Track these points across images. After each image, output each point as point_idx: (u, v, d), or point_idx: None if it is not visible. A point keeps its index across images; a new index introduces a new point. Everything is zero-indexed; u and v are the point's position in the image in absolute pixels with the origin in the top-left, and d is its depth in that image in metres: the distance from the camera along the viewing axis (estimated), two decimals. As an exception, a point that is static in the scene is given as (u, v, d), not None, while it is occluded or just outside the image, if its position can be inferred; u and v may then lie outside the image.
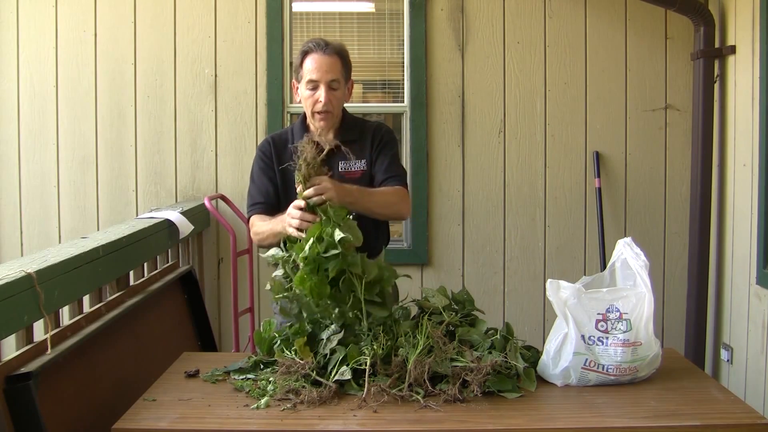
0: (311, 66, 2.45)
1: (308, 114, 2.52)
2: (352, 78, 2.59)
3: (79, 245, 2.35)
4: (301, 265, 1.99)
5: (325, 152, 2.21)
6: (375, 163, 2.57)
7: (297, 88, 2.53)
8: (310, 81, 2.45)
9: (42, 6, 4.00)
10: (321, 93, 2.44)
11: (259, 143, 2.56)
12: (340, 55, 2.48)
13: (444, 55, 4.01)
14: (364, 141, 2.57)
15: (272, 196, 2.56)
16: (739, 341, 3.61)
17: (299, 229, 2.11)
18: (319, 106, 2.46)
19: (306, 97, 2.48)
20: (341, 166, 2.51)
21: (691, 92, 3.95)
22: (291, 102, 4.05)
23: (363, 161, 2.55)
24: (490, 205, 4.04)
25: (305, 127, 2.56)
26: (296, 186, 2.17)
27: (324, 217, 2.08)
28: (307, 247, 1.98)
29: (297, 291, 2.03)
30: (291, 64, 4.05)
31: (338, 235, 1.97)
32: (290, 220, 2.15)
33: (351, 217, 2.14)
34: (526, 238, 4.06)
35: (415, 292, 2.51)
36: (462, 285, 3.98)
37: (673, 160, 4.05)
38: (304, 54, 2.48)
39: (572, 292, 2.00)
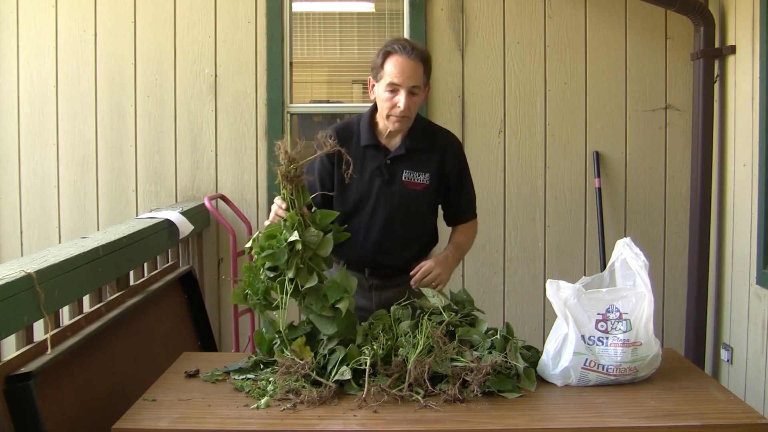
0: (394, 69, 2.36)
1: (382, 114, 2.43)
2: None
3: (79, 245, 2.35)
4: (255, 256, 2.06)
5: (328, 151, 2.16)
6: (450, 185, 2.52)
7: (373, 86, 2.45)
8: (391, 84, 2.36)
9: (42, 6, 4.00)
10: (401, 98, 2.36)
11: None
12: (423, 60, 2.39)
13: (444, 55, 4.01)
14: (433, 153, 2.49)
15: (324, 188, 2.47)
16: (739, 341, 3.61)
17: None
18: (397, 111, 2.38)
19: (384, 99, 2.39)
20: (405, 175, 2.46)
21: (691, 92, 3.95)
22: (291, 102, 4.06)
23: (427, 175, 2.48)
24: (490, 205, 4.04)
25: (373, 125, 2.49)
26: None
27: (298, 218, 2.05)
28: (258, 238, 2.05)
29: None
30: (291, 63, 4.06)
31: (293, 237, 1.99)
32: (273, 209, 2.19)
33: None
34: (526, 238, 4.06)
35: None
36: (462, 285, 3.98)
37: (673, 161, 4.05)
38: (387, 54, 2.38)
39: (572, 292, 2.00)
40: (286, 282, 2.00)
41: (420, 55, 2.38)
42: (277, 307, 2.05)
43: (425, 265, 2.39)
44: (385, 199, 2.47)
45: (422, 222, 2.58)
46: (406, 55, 2.36)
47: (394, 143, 2.48)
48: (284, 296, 2.00)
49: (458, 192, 2.58)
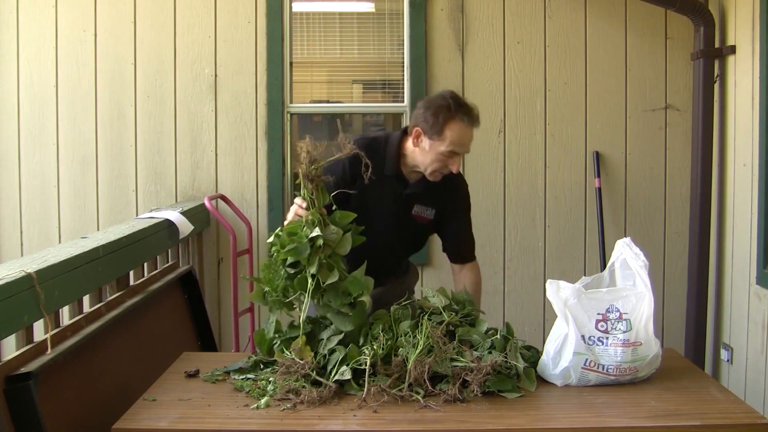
0: (457, 138, 2.34)
1: (424, 165, 2.40)
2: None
3: (79, 245, 2.35)
4: (274, 254, 2.08)
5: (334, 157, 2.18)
6: (449, 218, 2.54)
7: (422, 137, 2.38)
8: (452, 152, 2.35)
9: (42, 6, 4.00)
10: (456, 163, 2.38)
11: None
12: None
13: (444, 55, 4.01)
14: (443, 191, 2.52)
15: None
16: (739, 341, 3.61)
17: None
18: (446, 171, 2.40)
19: (436, 159, 2.37)
20: (416, 209, 2.50)
21: (691, 92, 3.95)
22: (291, 102, 4.06)
23: (434, 210, 2.52)
24: (490, 205, 4.04)
25: (399, 155, 2.46)
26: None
27: (318, 217, 2.08)
28: (280, 234, 2.08)
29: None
30: (291, 63, 4.06)
31: (314, 233, 2.01)
32: (293, 208, 2.20)
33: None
34: (526, 238, 4.06)
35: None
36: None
37: (673, 160, 4.05)
38: (451, 117, 2.33)
39: (572, 292, 2.00)
40: (309, 278, 2.01)
41: (477, 122, 2.39)
42: (293, 305, 2.09)
43: None
44: (393, 228, 2.52)
45: (419, 247, 2.70)
46: (471, 124, 2.36)
47: (414, 177, 2.49)
48: (306, 293, 2.02)
49: (459, 232, 2.63)
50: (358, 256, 2.44)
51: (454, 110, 2.34)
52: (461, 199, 2.62)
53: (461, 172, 2.58)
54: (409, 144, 2.43)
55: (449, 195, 2.53)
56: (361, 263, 2.45)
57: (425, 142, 2.37)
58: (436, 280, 3.97)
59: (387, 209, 2.49)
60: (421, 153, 2.39)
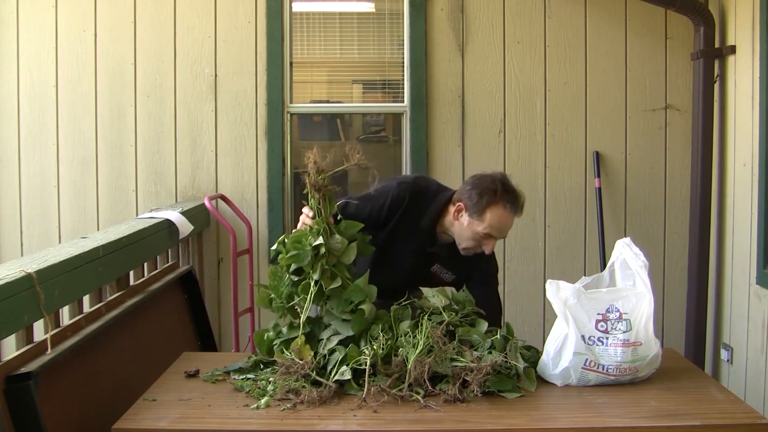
0: (497, 223, 2.33)
1: (461, 238, 2.40)
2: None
3: (79, 245, 2.35)
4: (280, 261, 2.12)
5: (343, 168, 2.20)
6: (473, 287, 2.42)
7: (463, 213, 2.37)
8: (489, 235, 2.35)
9: (42, 6, 4.00)
10: (490, 246, 2.38)
11: (397, 188, 2.44)
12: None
13: (444, 55, 4.01)
14: (467, 264, 2.50)
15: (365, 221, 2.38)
16: (739, 341, 3.61)
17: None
18: (478, 251, 2.40)
19: (472, 237, 2.37)
20: (436, 267, 2.51)
21: (691, 92, 3.95)
22: (291, 102, 4.06)
23: (454, 276, 2.53)
24: (490, 205, 4.03)
25: (440, 215, 2.45)
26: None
27: (324, 226, 2.11)
28: (285, 242, 2.11)
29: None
30: (291, 63, 4.06)
31: (317, 241, 2.05)
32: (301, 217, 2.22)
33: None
34: (526, 238, 4.06)
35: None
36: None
37: (673, 160, 4.05)
38: (495, 202, 2.32)
39: (572, 292, 2.01)
40: (311, 284, 2.04)
41: (521, 211, 2.38)
42: (296, 310, 2.11)
43: None
44: (407, 276, 2.51)
45: None
46: (512, 211, 2.35)
47: (445, 238, 2.49)
48: (308, 297, 2.04)
49: (483, 302, 2.47)
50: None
51: (500, 196, 2.33)
52: (487, 272, 2.59)
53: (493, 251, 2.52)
54: (451, 212, 2.43)
55: (474, 266, 2.51)
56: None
57: (465, 218, 2.37)
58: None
59: (408, 258, 2.50)
60: (459, 227, 2.40)
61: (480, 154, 4.02)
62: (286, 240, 2.13)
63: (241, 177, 4.04)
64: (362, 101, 4.23)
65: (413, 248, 2.49)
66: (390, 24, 4.16)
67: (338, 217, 2.21)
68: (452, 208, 2.42)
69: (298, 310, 2.11)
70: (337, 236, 2.11)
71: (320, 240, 2.06)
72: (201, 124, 4.04)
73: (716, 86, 3.81)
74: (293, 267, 2.08)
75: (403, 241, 2.47)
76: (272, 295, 2.14)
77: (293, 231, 2.24)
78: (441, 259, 2.51)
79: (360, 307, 2.05)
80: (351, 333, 2.03)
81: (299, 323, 2.09)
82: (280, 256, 2.13)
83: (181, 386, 2.01)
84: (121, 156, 4.05)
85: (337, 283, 2.05)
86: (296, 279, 2.09)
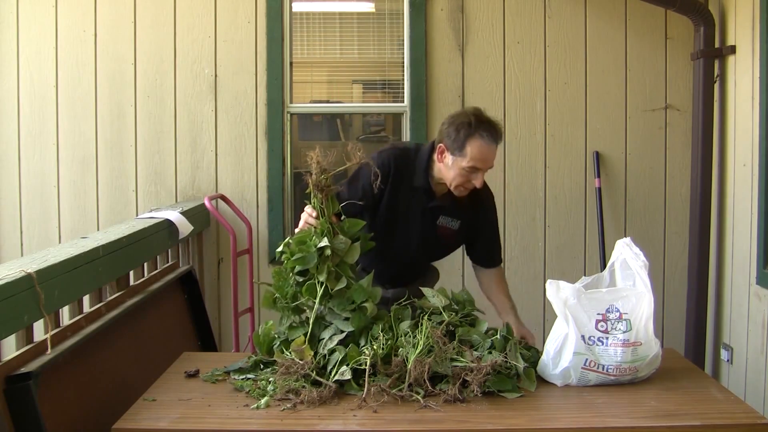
0: (479, 155, 2.34)
1: (448, 179, 2.42)
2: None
3: (79, 245, 2.35)
4: (285, 261, 2.13)
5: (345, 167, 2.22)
6: (478, 230, 2.57)
7: (446, 154, 2.39)
8: (473, 168, 2.36)
9: (42, 6, 4.00)
10: (478, 179, 2.40)
11: (376, 158, 2.43)
12: (500, 141, 2.42)
13: (444, 55, 4.01)
14: (469, 205, 2.54)
15: (361, 199, 2.44)
16: (739, 341, 3.61)
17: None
18: (469, 187, 2.42)
19: (459, 174, 2.38)
20: (441, 220, 2.52)
21: (691, 92, 3.95)
22: (291, 102, 4.06)
23: (459, 222, 2.54)
24: (490, 205, 4.04)
25: (429, 168, 2.48)
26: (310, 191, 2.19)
27: (327, 226, 2.12)
28: (290, 243, 2.13)
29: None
30: (291, 63, 4.06)
31: (322, 243, 2.05)
32: (303, 216, 2.24)
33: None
34: (526, 238, 4.06)
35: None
36: (462, 285, 3.98)
37: (673, 160, 4.05)
38: (471, 134, 2.34)
39: (572, 292, 2.01)
40: (317, 285, 2.05)
41: (499, 138, 2.39)
42: (301, 310, 2.13)
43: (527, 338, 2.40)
44: (418, 238, 2.53)
45: (442, 256, 2.73)
46: (492, 142, 2.36)
47: (441, 189, 2.50)
48: (315, 300, 2.06)
49: (486, 240, 2.64)
50: (383, 262, 2.50)
51: (475, 127, 2.34)
52: (488, 210, 2.64)
53: (486, 183, 2.55)
54: (436, 158, 2.45)
55: (476, 208, 2.56)
56: (383, 269, 2.48)
57: (448, 157, 2.39)
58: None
59: (414, 220, 2.51)
60: (445, 168, 2.41)
61: (480, 154, 4.01)
62: (290, 241, 2.14)
63: (241, 177, 4.04)
64: (362, 101, 4.23)
65: (416, 210, 2.50)
66: (390, 24, 4.16)
67: (341, 217, 2.22)
68: (437, 155, 2.44)
69: (306, 310, 2.11)
70: (341, 236, 2.12)
71: (325, 241, 2.06)
72: (201, 124, 4.04)
73: (716, 86, 3.81)
74: (298, 269, 2.09)
75: (405, 207, 2.48)
76: (277, 296, 2.15)
77: (296, 231, 2.25)
78: (444, 210, 2.52)
79: (363, 305, 2.06)
80: (352, 329, 2.03)
81: (299, 323, 2.09)
82: (284, 257, 2.13)
83: (181, 386, 2.02)
84: (121, 156, 4.05)
85: (343, 284, 2.06)
86: (301, 280, 2.10)
